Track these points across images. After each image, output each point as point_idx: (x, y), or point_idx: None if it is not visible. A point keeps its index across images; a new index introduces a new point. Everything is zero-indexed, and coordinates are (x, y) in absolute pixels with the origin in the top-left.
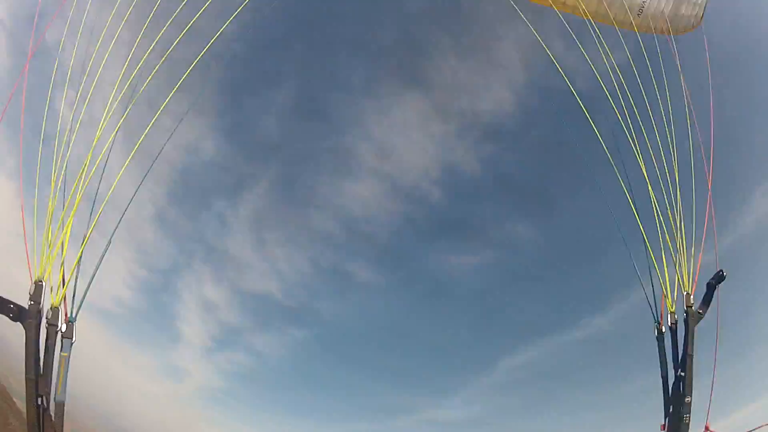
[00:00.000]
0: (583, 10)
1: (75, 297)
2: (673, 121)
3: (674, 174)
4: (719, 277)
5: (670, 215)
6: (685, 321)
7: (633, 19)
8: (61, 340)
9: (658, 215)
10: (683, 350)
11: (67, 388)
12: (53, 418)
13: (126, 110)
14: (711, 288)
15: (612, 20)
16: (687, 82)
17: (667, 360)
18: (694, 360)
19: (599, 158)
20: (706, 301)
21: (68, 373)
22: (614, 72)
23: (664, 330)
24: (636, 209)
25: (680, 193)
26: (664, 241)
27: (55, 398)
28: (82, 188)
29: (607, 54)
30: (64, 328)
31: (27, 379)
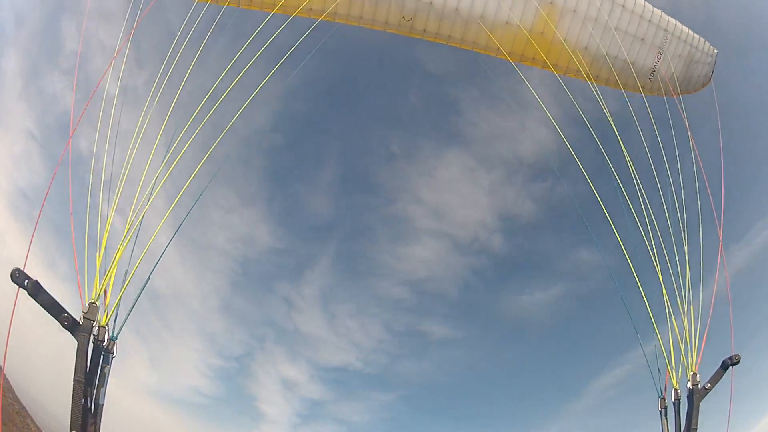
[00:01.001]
0: (590, 75)
1: (117, 320)
2: (683, 193)
3: (684, 253)
4: (735, 361)
5: (678, 301)
6: (689, 397)
7: (644, 83)
8: (104, 355)
9: (666, 295)
10: (686, 424)
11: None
12: (95, 417)
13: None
14: (724, 367)
15: (623, 86)
16: (696, 140)
17: None
18: None
19: (608, 234)
20: (716, 378)
21: (107, 382)
22: (622, 135)
23: (667, 405)
24: (643, 290)
25: (689, 273)
26: (672, 322)
27: (96, 401)
28: (135, 228)
29: (615, 122)
30: (107, 345)
31: (76, 381)
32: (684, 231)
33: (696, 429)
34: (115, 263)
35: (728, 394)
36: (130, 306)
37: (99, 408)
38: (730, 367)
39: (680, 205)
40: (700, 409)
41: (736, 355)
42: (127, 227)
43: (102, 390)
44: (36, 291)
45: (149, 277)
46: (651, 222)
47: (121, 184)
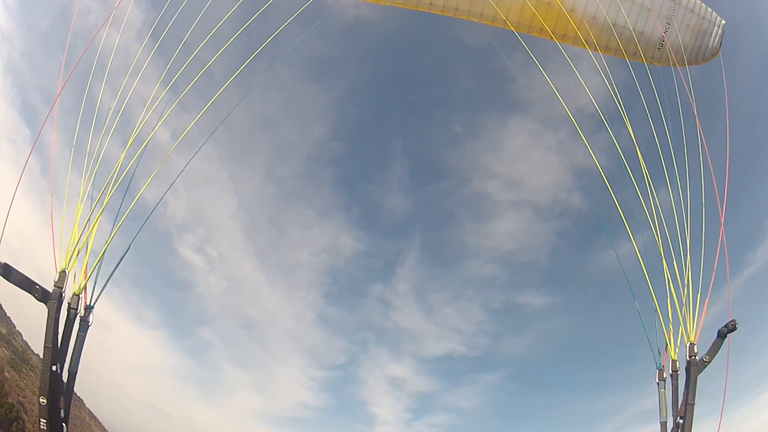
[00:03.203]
0: (598, 45)
1: (95, 289)
2: (686, 163)
3: (684, 221)
4: (731, 328)
5: (675, 268)
6: (687, 369)
7: (653, 53)
8: (80, 323)
9: (666, 264)
10: (684, 398)
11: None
12: (65, 383)
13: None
14: (721, 336)
15: (632, 56)
16: (701, 114)
17: (668, 406)
18: (694, 409)
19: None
20: (714, 349)
21: (82, 350)
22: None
23: (665, 377)
24: (642, 259)
25: (689, 243)
26: (670, 290)
27: (69, 368)
28: (107, 198)
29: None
30: (83, 313)
31: (45, 347)
32: (687, 215)
33: (693, 404)
34: (91, 234)
35: (726, 363)
36: (108, 277)
37: (72, 375)
38: (728, 335)
39: (682, 174)
40: (698, 383)
41: (732, 321)
42: (102, 206)
43: (76, 358)
44: (7, 272)
45: (129, 247)
46: (651, 191)
47: (97, 163)
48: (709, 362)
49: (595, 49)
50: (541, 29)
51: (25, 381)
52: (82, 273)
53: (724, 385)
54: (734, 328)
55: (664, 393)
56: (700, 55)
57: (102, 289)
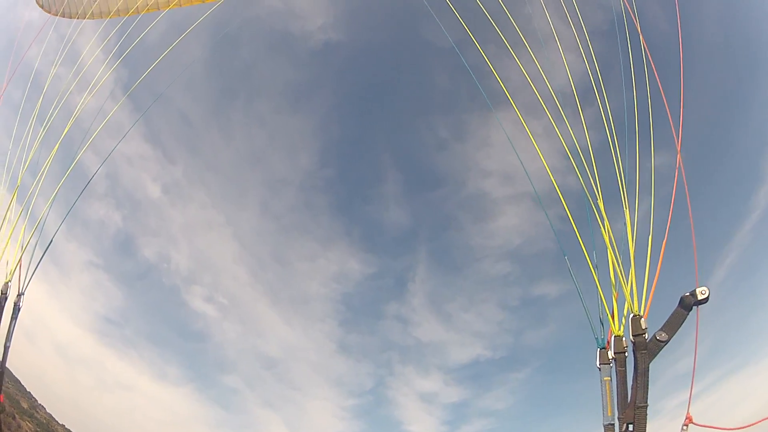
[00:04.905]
0: None
1: (26, 277)
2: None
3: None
4: (700, 299)
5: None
6: (635, 353)
7: None
8: (12, 307)
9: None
10: (632, 396)
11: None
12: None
13: None
14: (686, 307)
15: None
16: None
17: (613, 402)
18: (647, 413)
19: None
20: (674, 324)
21: (14, 328)
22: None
23: (610, 360)
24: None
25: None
26: (611, 240)
27: (5, 344)
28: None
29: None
30: (16, 299)
31: None
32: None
33: (645, 406)
34: (22, 226)
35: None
36: (37, 263)
37: (6, 349)
38: (695, 307)
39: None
40: (648, 374)
41: (702, 290)
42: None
43: (9, 335)
44: None
45: (51, 241)
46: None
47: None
48: (667, 342)
49: None
50: None
51: None
52: (14, 261)
53: (692, 370)
54: (706, 299)
55: (609, 382)
56: None
57: (31, 277)
